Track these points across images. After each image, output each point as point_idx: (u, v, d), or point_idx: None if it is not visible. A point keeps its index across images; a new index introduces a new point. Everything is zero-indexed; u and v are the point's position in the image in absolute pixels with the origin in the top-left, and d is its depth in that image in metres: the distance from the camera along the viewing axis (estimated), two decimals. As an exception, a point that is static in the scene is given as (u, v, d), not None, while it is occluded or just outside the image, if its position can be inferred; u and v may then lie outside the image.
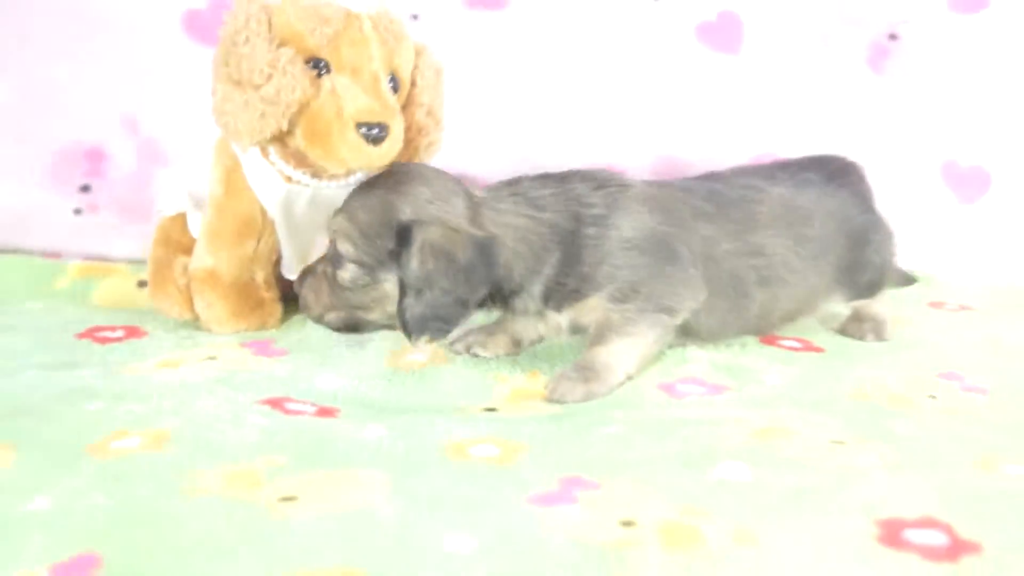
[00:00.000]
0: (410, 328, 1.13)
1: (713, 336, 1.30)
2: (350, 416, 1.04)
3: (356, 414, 1.05)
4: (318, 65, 1.25)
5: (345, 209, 1.17)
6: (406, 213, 1.14)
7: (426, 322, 1.12)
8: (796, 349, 1.31)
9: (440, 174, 1.21)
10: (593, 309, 1.18)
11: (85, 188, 1.72)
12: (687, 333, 1.25)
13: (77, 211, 1.73)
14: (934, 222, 1.85)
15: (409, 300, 1.12)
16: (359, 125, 1.22)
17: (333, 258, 1.18)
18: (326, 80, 1.24)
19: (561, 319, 1.22)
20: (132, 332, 1.34)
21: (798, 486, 0.84)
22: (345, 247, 1.16)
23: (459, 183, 1.20)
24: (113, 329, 1.35)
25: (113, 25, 1.72)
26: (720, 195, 1.30)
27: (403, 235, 1.13)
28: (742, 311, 1.29)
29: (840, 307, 1.44)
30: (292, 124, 1.25)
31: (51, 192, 1.72)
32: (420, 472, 0.86)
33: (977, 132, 1.84)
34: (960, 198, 1.86)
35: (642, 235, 1.20)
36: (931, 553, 0.73)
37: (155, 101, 1.73)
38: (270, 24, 1.25)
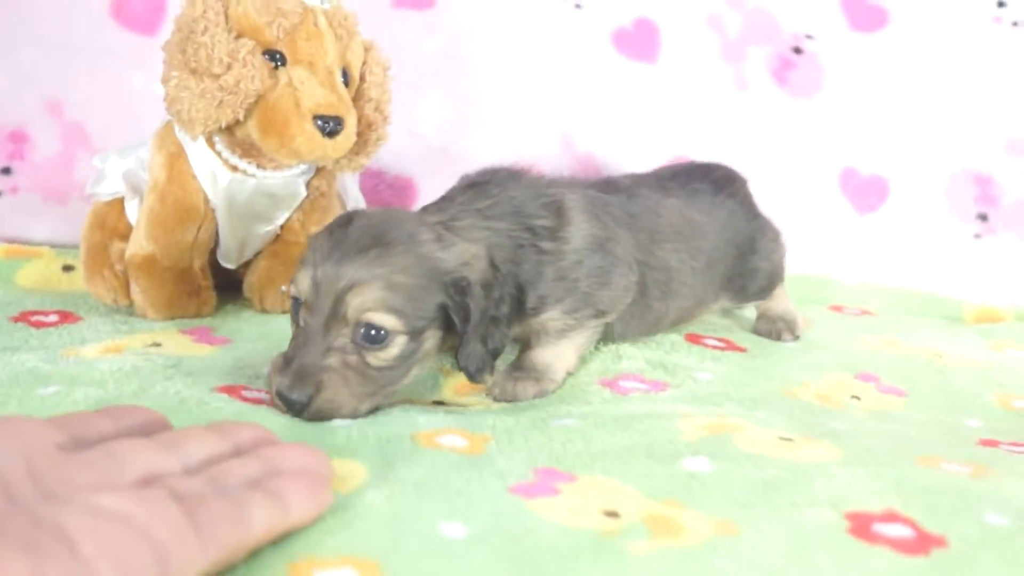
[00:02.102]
0: (480, 371, 1.09)
1: (616, 337, 1.31)
2: (308, 405, 1.05)
3: (312, 404, 1.06)
4: (274, 57, 1.26)
5: (367, 283, 1.01)
6: (448, 261, 1.06)
7: (487, 359, 1.09)
8: (721, 348, 1.36)
9: (399, 211, 1.18)
10: (547, 322, 1.18)
11: (6, 170, 1.69)
12: None
13: (-3, 193, 1.69)
14: (833, 228, 1.93)
15: (473, 345, 1.07)
16: (316, 118, 1.24)
17: (361, 343, 1.02)
18: (283, 72, 1.25)
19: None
20: (65, 317, 1.33)
21: (762, 479, 0.87)
22: (388, 321, 1.02)
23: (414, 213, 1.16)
24: (46, 313, 1.33)
25: (40, 10, 1.69)
26: (629, 206, 1.31)
27: (458, 285, 1.06)
28: (643, 318, 1.32)
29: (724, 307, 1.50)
30: (246, 114, 1.26)
31: (-31, 174, 1.67)
32: (398, 460, 0.87)
33: (877, 142, 1.92)
34: (859, 207, 1.93)
35: (590, 244, 1.20)
36: (902, 546, 0.76)
37: (80, 85, 1.70)
38: (227, 15, 1.26)
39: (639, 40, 1.87)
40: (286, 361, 1.02)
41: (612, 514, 0.79)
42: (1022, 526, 0.82)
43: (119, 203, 1.40)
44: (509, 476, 0.85)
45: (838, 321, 1.65)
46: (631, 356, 1.26)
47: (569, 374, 1.20)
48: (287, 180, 1.35)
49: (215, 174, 1.32)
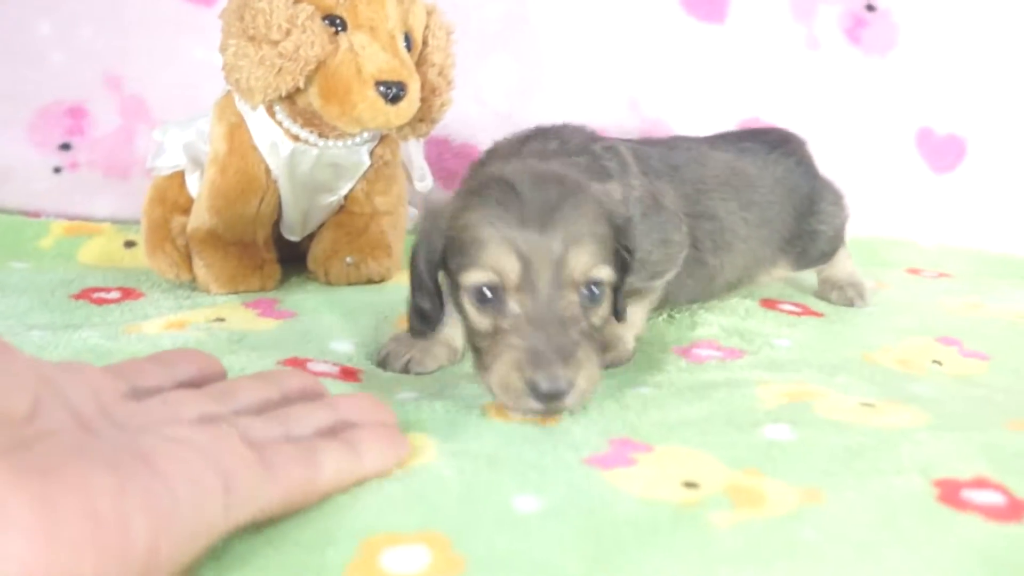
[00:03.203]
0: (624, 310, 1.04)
1: (667, 303, 1.26)
2: (375, 378, 1.03)
3: (380, 376, 1.04)
4: (335, 22, 1.24)
5: (581, 240, 0.92)
6: (611, 201, 1.00)
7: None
8: (797, 313, 1.33)
9: (528, 160, 1.06)
10: None
11: (65, 146, 1.69)
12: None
13: (57, 169, 1.68)
14: (910, 189, 1.88)
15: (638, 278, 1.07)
16: (379, 84, 1.22)
17: (586, 304, 0.94)
18: (343, 38, 1.23)
19: None
20: (128, 293, 1.32)
21: (846, 446, 0.84)
22: (606, 273, 0.95)
23: None
24: (108, 290, 1.32)
25: (97, -17, 1.68)
26: (669, 156, 1.26)
27: (625, 222, 1.00)
28: (696, 276, 1.25)
29: (786, 275, 1.45)
30: (307, 82, 1.24)
31: (31, 150, 1.67)
32: (468, 433, 0.86)
33: (953, 101, 1.87)
34: (936, 167, 1.88)
35: (646, 201, 1.14)
36: (993, 513, 0.73)
37: (139, 58, 1.70)
38: (284, -20, 1.23)
39: (707, 0, 1.84)
40: (531, 355, 0.88)
41: (691, 485, 0.77)
42: (1121, 491, 0.79)
43: (179, 176, 1.39)
44: (584, 447, 0.83)
45: (916, 284, 1.61)
46: (706, 323, 1.23)
47: (638, 339, 1.16)
48: (350, 149, 1.33)
49: (276, 144, 1.31)
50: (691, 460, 0.82)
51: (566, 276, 0.92)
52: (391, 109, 1.24)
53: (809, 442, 0.85)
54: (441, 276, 1.01)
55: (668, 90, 1.83)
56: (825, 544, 0.68)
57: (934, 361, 1.20)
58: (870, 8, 1.86)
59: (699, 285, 1.28)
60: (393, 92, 1.23)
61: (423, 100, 1.33)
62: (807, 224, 1.40)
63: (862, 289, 1.44)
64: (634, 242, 1.01)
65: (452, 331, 1.10)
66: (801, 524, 0.71)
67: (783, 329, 1.24)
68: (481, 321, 0.94)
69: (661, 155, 1.25)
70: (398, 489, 0.73)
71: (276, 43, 1.21)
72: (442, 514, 0.71)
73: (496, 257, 0.91)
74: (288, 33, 1.21)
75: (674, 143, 1.32)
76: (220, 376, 0.81)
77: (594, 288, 0.94)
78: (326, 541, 0.66)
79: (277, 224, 1.39)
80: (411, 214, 1.57)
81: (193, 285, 1.36)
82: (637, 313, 1.16)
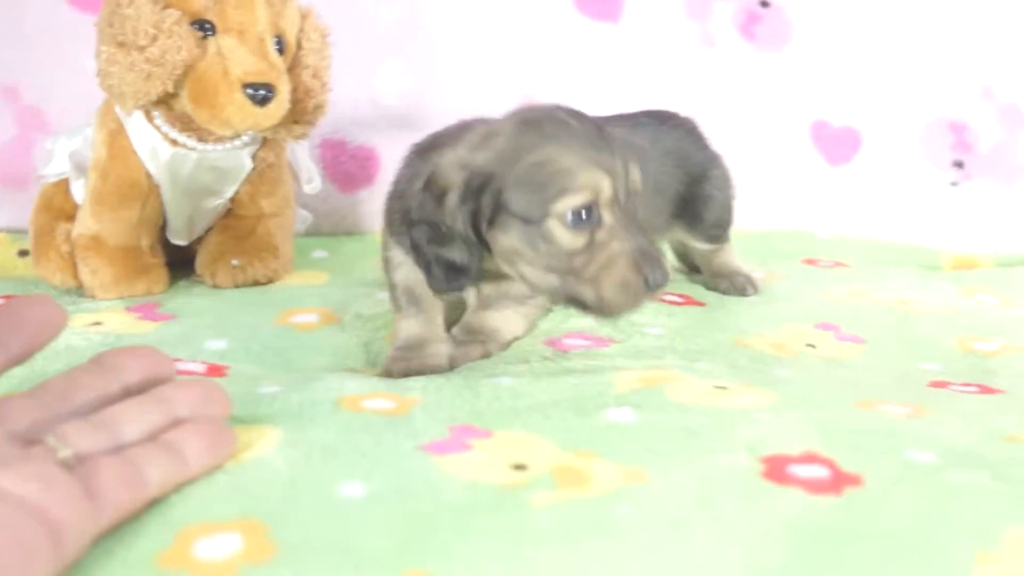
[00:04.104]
0: None
1: None
2: (240, 374, 1.04)
3: (247, 372, 1.05)
4: (204, 27, 1.25)
5: (628, 156, 1.06)
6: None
7: None
8: (678, 303, 1.34)
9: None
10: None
11: (-38, 157, 1.68)
12: None
13: (-47, 180, 1.68)
14: (806, 182, 1.91)
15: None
16: (246, 86, 1.23)
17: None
18: (212, 42, 1.25)
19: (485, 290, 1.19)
20: (15, 301, 1.32)
21: (684, 427, 0.86)
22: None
23: None
24: (-4, 299, 1.32)
25: (-8, -6, 1.68)
26: None
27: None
28: None
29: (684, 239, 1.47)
30: (178, 86, 1.25)
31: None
32: (314, 424, 0.86)
33: (848, 94, 1.90)
34: (831, 159, 1.91)
35: None
36: (815, 486, 0.75)
37: (36, 69, 1.70)
38: (155, -14, 1.24)
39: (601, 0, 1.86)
40: (641, 254, 1.02)
41: (520, 467, 0.78)
42: (944, 463, 0.80)
43: (65, 184, 1.40)
44: (424, 435, 0.84)
45: (809, 274, 1.63)
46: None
47: (516, 338, 1.18)
48: (230, 152, 1.34)
49: (156, 149, 1.32)
50: (526, 444, 0.83)
51: (630, 186, 1.05)
52: (259, 111, 1.25)
53: (648, 424, 0.87)
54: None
55: (563, 89, 1.82)
56: (638, 522, 0.70)
57: (808, 345, 1.22)
58: (764, 4, 1.89)
59: None
60: (261, 94, 1.24)
61: (297, 102, 1.34)
62: (700, 189, 1.42)
63: (752, 278, 1.46)
64: None
65: (435, 328, 1.17)
66: (618, 503, 0.73)
67: (660, 318, 1.25)
68: (576, 240, 1.03)
69: None
70: (225, 481, 0.74)
71: (143, 49, 1.22)
72: (263, 503, 0.72)
73: (590, 178, 1.02)
74: (155, 39, 1.21)
75: None
76: (170, 376, 0.81)
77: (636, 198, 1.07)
78: (140, 532, 0.67)
79: (164, 229, 1.40)
80: (301, 216, 1.58)
81: (80, 291, 1.37)
82: (519, 319, 1.18)
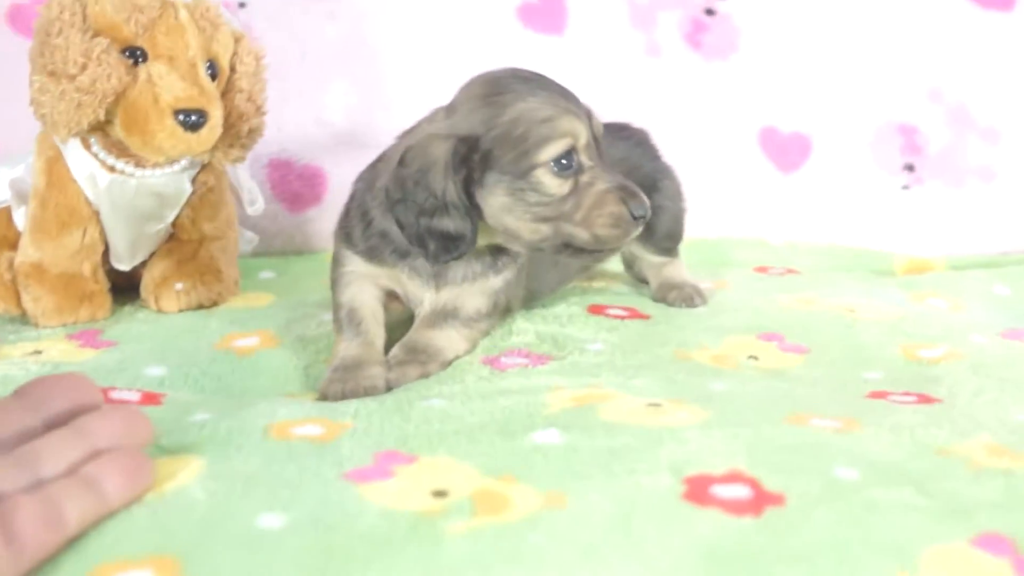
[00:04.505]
0: None
1: (533, 298, 1.32)
2: (175, 402, 1.03)
3: (182, 399, 1.04)
4: (134, 54, 1.25)
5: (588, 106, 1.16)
6: None
7: None
8: (622, 317, 1.33)
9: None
10: (462, 292, 1.19)
11: (-98, 185, 1.66)
12: None
13: None
14: (757, 189, 1.92)
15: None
16: (177, 112, 1.23)
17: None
18: (142, 69, 1.25)
19: (435, 298, 1.20)
20: (-45, 331, 1.31)
21: (609, 448, 0.85)
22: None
23: None
24: (-66, 328, 1.32)
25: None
26: None
27: None
28: (552, 270, 1.34)
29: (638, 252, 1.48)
30: (110, 114, 1.25)
31: None
32: (240, 453, 0.86)
33: (797, 100, 1.91)
34: (782, 165, 1.91)
35: None
36: (734, 507, 0.75)
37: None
38: (84, 15, 1.25)
39: (545, 12, 1.86)
40: (623, 189, 1.12)
41: (440, 493, 0.78)
42: (868, 480, 0.80)
43: (7, 211, 1.39)
44: (348, 462, 0.84)
45: (757, 282, 1.63)
46: (522, 331, 1.23)
47: (458, 357, 1.17)
48: (169, 177, 1.34)
49: (94, 176, 1.31)
50: (449, 469, 0.83)
51: (596, 131, 1.14)
52: (191, 137, 1.25)
53: (574, 446, 0.86)
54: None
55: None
56: (551, 548, 0.70)
57: (750, 356, 1.22)
58: (710, 13, 1.89)
59: (556, 276, 1.36)
60: (192, 120, 1.24)
61: (231, 126, 1.34)
62: (651, 199, 1.39)
63: (700, 289, 1.46)
64: None
65: (373, 350, 1.17)
66: (533, 529, 0.72)
67: (601, 333, 1.25)
68: (563, 186, 1.11)
69: None
70: (143, 515, 0.74)
71: (74, 78, 1.22)
72: (179, 537, 0.71)
73: (568, 124, 1.10)
74: (84, 67, 1.22)
75: None
76: (96, 403, 0.80)
77: None
78: (54, 571, 0.67)
79: (108, 254, 1.39)
80: (247, 237, 1.58)
81: (23, 319, 1.36)
82: (462, 340, 1.18)
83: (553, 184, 1.10)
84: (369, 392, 1.08)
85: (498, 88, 1.13)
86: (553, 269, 1.33)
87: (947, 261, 1.83)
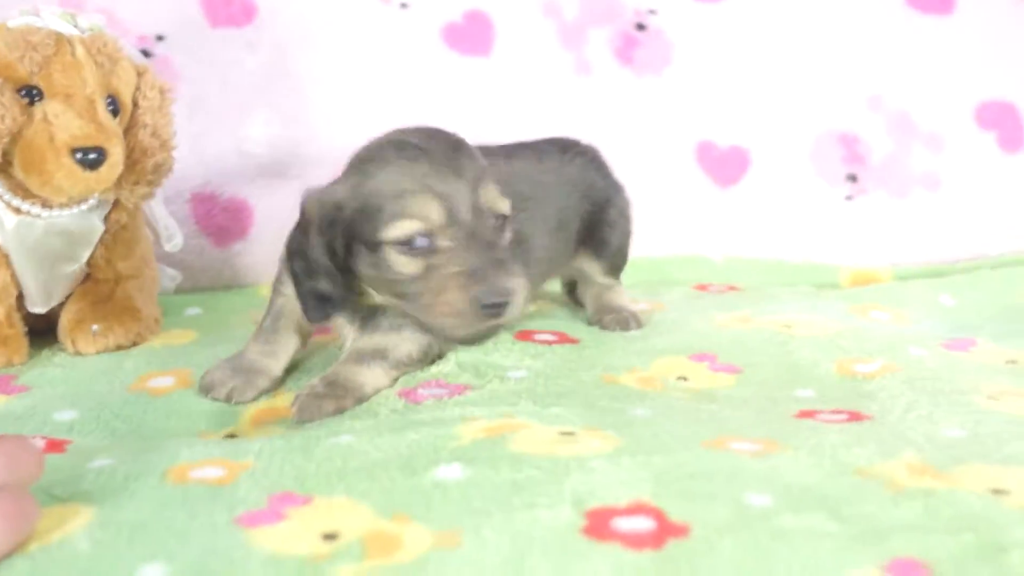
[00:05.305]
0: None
1: None
2: (79, 448, 1.00)
3: (87, 445, 1.01)
4: (30, 93, 1.23)
5: (486, 176, 1.10)
6: None
7: None
8: (550, 342, 1.31)
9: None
10: (396, 333, 1.17)
11: None
12: None
13: None
14: (695, 205, 1.89)
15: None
16: (74, 151, 1.20)
17: (498, 233, 1.10)
18: (38, 108, 1.22)
19: (359, 338, 1.19)
20: None
21: (512, 481, 0.83)
22: (507, 205, 1.12)
23: None
24: None
25: None
26: None
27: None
28: None
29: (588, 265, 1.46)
30: (8, 155, 1.22)
31: None
32: (133, 499, 0.83)
33: (733, 113, 1.88)
34: (720, 180, 1.89)
35: None
36: (635, 541, 0.72)
37: None
38: (-21, 56, 1.22)
39: (471, 34, 1.83)
40: (472, 275, 1.03)
41: (331, 536, 0.75)
42: (780, 506, 0.78)
43: (-81, 258, 1.35)
44: (241, 505, 0.81)
45: (695, 301, 1.61)
46: (442, 360, 1.21)
47: (377, 392, 1.15)
48: (78, 217, 1.31)
49: (0, 219, 1.28)
50: (343, 510, 0.80)
51: (482, 206, 1.07)
52: (90, 175, 1.22)
53: (476, 481, 0.84)
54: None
55: (436, 125, 1.80)
56: (438, 591, 0.67)
57: (679, 378, 1.20)
58: (641, 27, 1.86)
59: None
60: (91, 158, 1.21)
61: (135, 162, 1.31)
62: (604, 215, 1.44)
63: (636, 313, 1.44)
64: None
65: (274, 361, 1.20)
66: (422, 571, 0.70)
67: (525, 360, 1.22)
68: (411, 266, 1.06)
69: None
70: (23, 567, 0.71)
71: (-33, 120, 1.19)
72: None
73: (419, 204, 1.04)
74: (-23, 109, 1.19)
75: None
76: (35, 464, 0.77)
77: (501, 217, 1.10)
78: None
79: (22, 297, 1.36)
80: (168, 274, 1.55)
81: (-61, 366, 1.32)
82: (384, 375, 1.16)
83: (400, 262, 1.07)
84: (229, 398, 1.15)
85: (372, 154, 1.11)
86: None
87: (893, 271, 1.82)
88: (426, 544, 0.73)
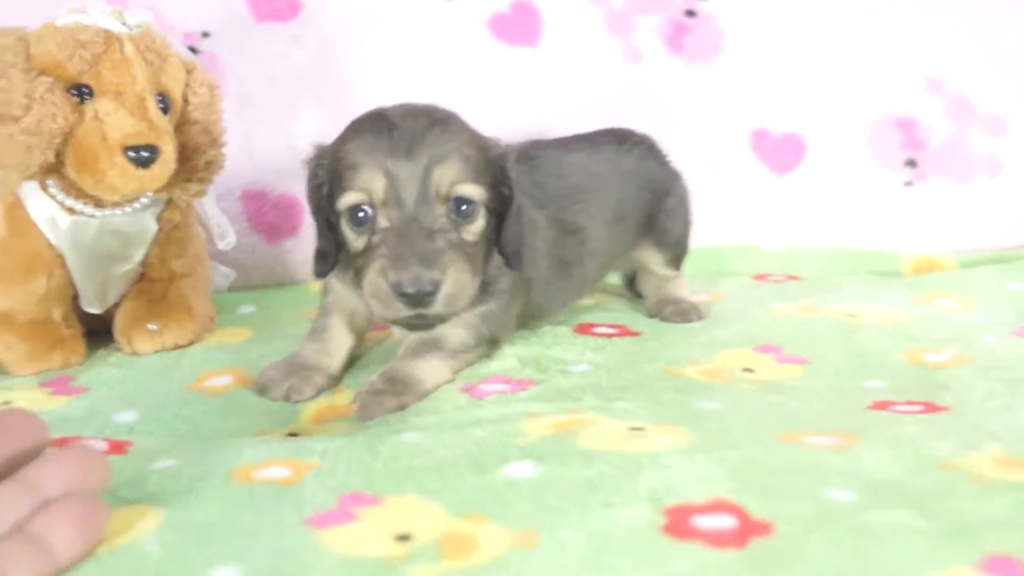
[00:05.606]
0: (517, 256, 1.14)
1: (540, 317, 1.30)
2: (141, 449, 0.98)
3: (149, 446, 0.99)
4: (80, 91, 1.22)
5: (447, 158, 1.05)
6: (489, 139, 1.13)
7: (520, 248, 1.13)
8: (610, 335, 1.29)
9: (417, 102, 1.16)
10: (451, 326, 1.14)
11: None
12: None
13: None
14: (752, 194, 1.86)
15: (512, 226, 1.13)
16: (127, 149, 1.19)
17: (456, 219, 1.06)
18: (89, 106, 1.21)
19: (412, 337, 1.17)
20: (-69, 384, 1.28)
21: (585, 479, 0.81)
22: (475, 191, 1.07)
23: None
24: (-92, 382, 1.28)
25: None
26: (535, 174, 1.29)
27: (501, 159, 1.12)
28: (565, 288, 1.31)
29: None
30: (61, 155, 1.21)
31: None
32: (199, 501, 0.82)
33: (787, 99, 1.85)
34: (776, 167, 1.86)
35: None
36: (717, 539, 0.70)
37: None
38: (28, 54, 1.21)
39: (518, 24, 1.80)
40: (394, 260, 1.01)
41: (404, 537, 0.74)
42: (865, 502, 0.76)
43: (-26, 260, 1.35)
44: (310, 506, 0.79)
45: (755, 291, 1.59)
46: (504, 355, 1.19)
47: (437, 387, 1.12)
48: (132, 216, 1.29)
49: (54, 219, 1.27)
50: (415, 509, 0.78)
51: (432, 191, 1.04)
52: (144, 174, 1.21)
53: (548, 478, 0.82)
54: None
55: (483, 118, 1.76)
56: (519, 593, 0.65)
57: (745, 370, 1.17)
58: (691, 14, 1.83)
59: (568, 294, 1.34)
60: (143, 156, 1.20)
61: (187, 160, 1.30)
62: (664, 204, 1.43)
63: (697, 305, 1.43)
64: (510, 176, 1.12)
65: (328, 359, 1.19)
66: (502, 572, 0.68)
67: (587, 354, 1.21)
68: (357, 240, 1.07)
69: (527, 176, 1.27)
70: (93, 571, 0.70)
71: (19, 120, 1.18)
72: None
73: (366, 178, 1.04)
74: (28, 108, 1.18)
75: (535, 155, 1.33)
76: (41, 443, 0.76)
77: (462, 205, 1.06)
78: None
79: (79, 297, 1.35)
80: (222, 272, 1.54)
81: (-2, 369, 1.32)
82: (443, 369, 1.14)
83: (349, 235, 1.08)
84: (287, 397, 1.14)
85: (355, 123, 1.11)
86: (561, 290, 1.31)
87: (957, 258, 1.78)
88: (503, 544, 0.72)
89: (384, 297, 1.02)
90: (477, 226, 1.08)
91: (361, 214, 1.05)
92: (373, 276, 1.02)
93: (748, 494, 0.77)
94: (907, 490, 0.78)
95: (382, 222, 1.04)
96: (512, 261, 1.13)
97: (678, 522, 0.73)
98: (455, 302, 1.03)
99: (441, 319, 1.06)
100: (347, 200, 1.06)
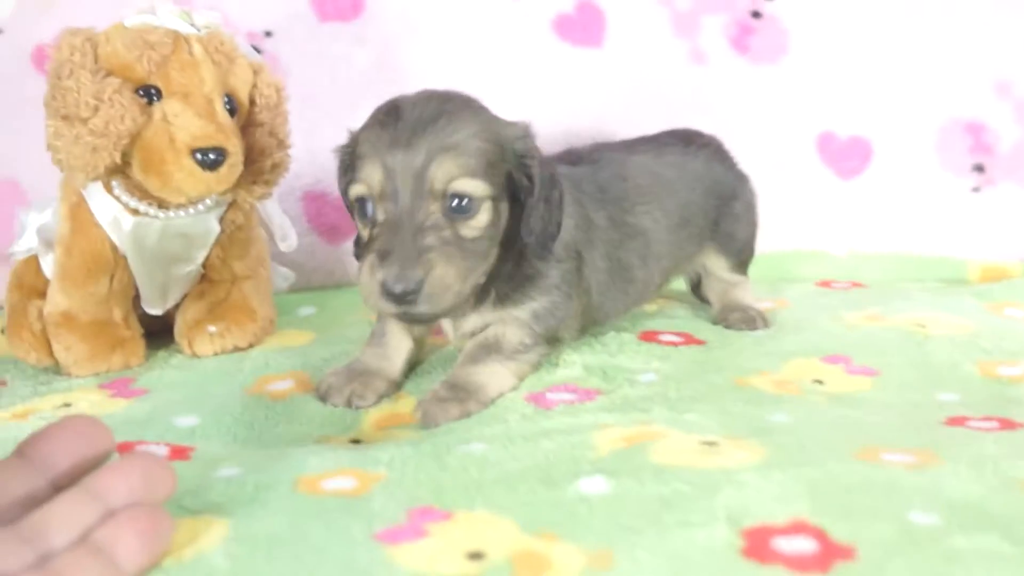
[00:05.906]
0: (543, 246, 1.10)
1: (602, 321, 1.28)
2: (204, 456, 0.98)
3: (211, 452, 0.99)
4: (148, 92, 1.21)
5: (446, 152, 1.01)
6: (509, 129, 1.10)
7: (547, 236, 1.10)
8: (676, 343, 1.27)
9: (440, 89, 1.13)
10: (501, 323, 1.15)
11: (-60, 232, 1.63)
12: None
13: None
14: (816, 198, 1.83)
15: (535, 217, 1.09)
16: (194, 151, 1.19)
17: (452, 215, 1.02)
18: (157, 107, 1.21)
19: (466, 324, 1.17)
20: (-9, 382, 1.28)
21: (660, 496, 0.79)
22: (476, 187, 1.03)
23: None
24: (-28, 381, 1.28)
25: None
26: (596, 176, 1.27)
27: (522, 151, 1.09)
28: (627, 292, 1.29)
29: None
30: (128, 156, 1.21)
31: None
32: (266, 511, 0.81)
33: (853, 102, 1.81)
34: (841, 172, 1.83)
35: (568, 249, 1.17)
36: (799, 563, 0.69)
37: (8, 138, 1.65)
38: (96, 55, 1.21)
39: (582, 24, 1.78)
40: (382, 256, 0.99)
41: (476, 555, 0.72)
42: (949, 525, 0.74)
43: (36, 260, 1.35)
44: (379, 520, 0.78)
45: (821, 298, 1.56)
46: (569, 363, 1.18)
47: (502, 395, 1.11)
48: (195, 218, 1.29)
49: (118, 220, 1.27)
50: (486, 526, 0.77)
51: (425, 187, 1.01)
52: (211, 176, 1.20)
53: (622, 495, 0.81)
54: None
55: (549, 120, 1.72)
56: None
57: (815, 381, 1.15)
58: (756, 15, 1.80)
59: (630, 298, 1.31)
60: (211, 158, 1.19)
61: (252, 162, 1.30)
62: (730, 208, 1.42)
63: (763, 313, 1.40)
64: (538, 170, 1.08)
65: (389, 364, 1.18)
66: (579, 592, 0.67)
67: (653, 362, 1.19)
68: (363, 231, 1.08)
69: (589, 176, 1.27)
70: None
71: (86, 120, 1.18)
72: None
73: (368, 170, 1.03)
74: (96, 109, 1.18)
75: (599, 156, 1.33)
76: (108, 448, 0.76)
77: (461, 200, 1.03)
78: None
79: (139, 299, 1.35)
80: (282, 274, 1.54)
81: (56, 369, 1.32)
82: (506, 375, 1.13)
83: (360, 226, 1.10)
84: (349, 403, 1.13)
85: (375, 111, 1.09)
86: (622, 293, 1.29)
87: (1024, 265, 1.74)
88: (578, 565, 0.70)
89: (372, 293, 1.01)
90: (478, 221, 1.05)
91: (366, 207, 1.05)
92: (365, 272, 1.02)
93: (828, 515, 0.75)
94: (991, 513, 0.76)
95: (379, 215, 1.04)
96: (536, 251, 1.11)
97: (758, 545, 0.72)
98: (439, 301, 1.00)
99: (434, 316, 1.05)
100: (354, 191, 1.06)
